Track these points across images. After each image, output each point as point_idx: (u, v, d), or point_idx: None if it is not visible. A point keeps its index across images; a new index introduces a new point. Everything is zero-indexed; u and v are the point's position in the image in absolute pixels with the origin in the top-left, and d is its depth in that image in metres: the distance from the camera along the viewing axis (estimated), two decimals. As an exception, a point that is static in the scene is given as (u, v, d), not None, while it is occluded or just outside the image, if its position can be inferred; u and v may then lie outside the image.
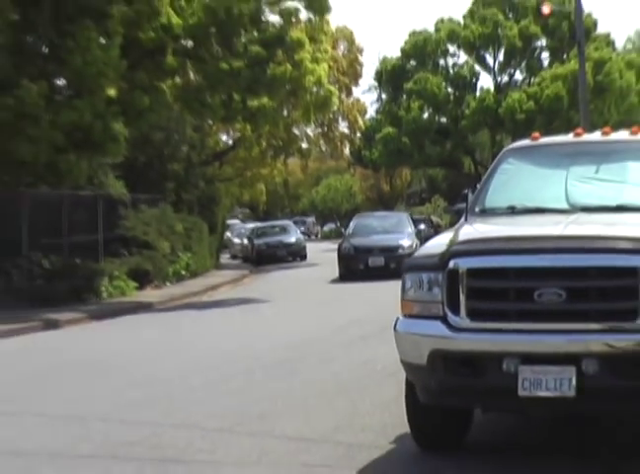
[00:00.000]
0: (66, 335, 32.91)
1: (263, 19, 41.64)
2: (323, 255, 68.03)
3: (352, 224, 65.56)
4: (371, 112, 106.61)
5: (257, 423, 16.93)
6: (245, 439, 15.54)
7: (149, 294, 44.53)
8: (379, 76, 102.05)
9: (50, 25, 36.30)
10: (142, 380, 24.27)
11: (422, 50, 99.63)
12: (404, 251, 48.10)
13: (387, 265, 48.88)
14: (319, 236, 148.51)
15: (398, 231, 56.87)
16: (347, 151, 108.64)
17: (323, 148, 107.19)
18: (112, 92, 37.43)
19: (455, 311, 11.98)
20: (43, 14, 35.77)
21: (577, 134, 16.17)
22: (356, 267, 48.13)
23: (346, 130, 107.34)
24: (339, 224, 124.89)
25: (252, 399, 19.60)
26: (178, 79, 42.21)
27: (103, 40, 36.46)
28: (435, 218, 76.10)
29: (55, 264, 38.78)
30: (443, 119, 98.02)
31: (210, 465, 13.97)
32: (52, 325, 33.12)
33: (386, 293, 24.79)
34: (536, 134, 16.83)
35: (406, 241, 53.40)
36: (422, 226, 62.89)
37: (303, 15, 44.01)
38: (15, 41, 35.53)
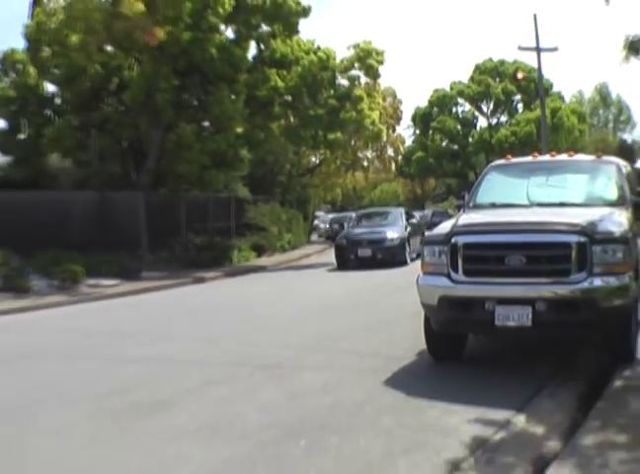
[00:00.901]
0: (209, 286, 33.68)
1: (336, 82, 41.96)
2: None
3: (353, 219, 51.41)
4: (409, 142, 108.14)
5: (330, 342, 17.42)
6: (321, 353, 16.12)
7: (264, 260, 44.62)
8: (414, 118, 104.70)
9: (199, 87, 36.65)
10: (258, 314, 24.58)
11: (442, 102, 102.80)
12: (391, 242, 39.03)
13: (374, 255, 38.90)
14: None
15: (390, 225, 43.44)
16: (393, 167, 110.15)
17: (377, 165, 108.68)
18: (239, 130, 37.76)
19: (455, 270, 13.01)
20: (194, 80, 36.15)
21: (534, 156, 17.55)
22: (347, 257, 38.80)
23: (392, 154, 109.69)
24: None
25: (327, 327, 20.01)
26: (282, 121, 42.28)
27: (232, 97, 36.77)
28: (450, 211, 73.32)
29: (202, 241, 39.22)
30: (455, 147, 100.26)
31: (298, 369, 14.56)
32: (200, 280, 33.79)
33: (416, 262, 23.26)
34: (509, 156, 18.11)
35: (393, 234, 40.92)
36: (414, 220, 48.72)
37: (363, 79, 44.38)
38: (176, 98, 35.90)
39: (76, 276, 29.81)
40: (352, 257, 37.70)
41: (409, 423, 10.51)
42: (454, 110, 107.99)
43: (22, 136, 39.22)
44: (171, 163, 37.42)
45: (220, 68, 36.57)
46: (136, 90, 35.72)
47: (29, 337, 21.69)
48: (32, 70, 38.24)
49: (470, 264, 13.03)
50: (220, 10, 35.83)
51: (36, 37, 37.22)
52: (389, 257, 35.75)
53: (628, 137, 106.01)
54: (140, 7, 33.62)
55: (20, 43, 38.91)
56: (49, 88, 39.20)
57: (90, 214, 36.35)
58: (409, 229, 39.82)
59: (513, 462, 8.70)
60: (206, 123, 38.30)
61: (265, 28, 40.41)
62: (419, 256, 26.10)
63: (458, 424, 10.25)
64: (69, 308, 27.48)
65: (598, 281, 12.05)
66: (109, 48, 37.00)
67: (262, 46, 41.17)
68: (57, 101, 38.98)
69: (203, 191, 41.22)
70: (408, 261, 37.56)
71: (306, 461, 9.26)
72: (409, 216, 43.36)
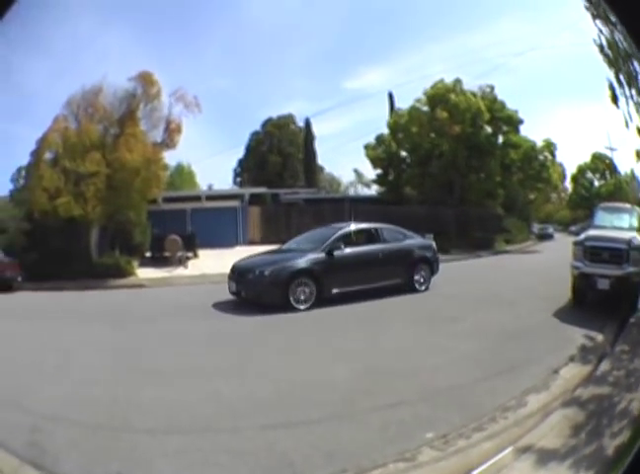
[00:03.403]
0: (481, 259, 31.54)
1: (539, 157, 41.63)
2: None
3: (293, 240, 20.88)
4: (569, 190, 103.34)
5: (526, 291, 17.09)
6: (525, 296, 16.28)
7: (510, 247, 39.42)
8: (571, 178, 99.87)
9: (477, 156, 37.32)
10: (504, 268, 25.25)
11: (580, 172, 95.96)
12: (258, 278, 16.28)
13: (239, 292, 16.71)
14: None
15: (303, 251, 17.36)
16: (564, 203, 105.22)
17: (557, 201, 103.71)
18: (497, 179, 38.59)
19: (586, 259, 14.35)
20: (475, 152, 36.71)
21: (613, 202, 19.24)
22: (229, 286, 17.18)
23: (563, 195, 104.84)
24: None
25: (528, 279, 19.71)
26: (517, 176, 41.78)
27: (493, 162, 37.28)
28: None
29: (479, 235, 37.91)
30: (587, 195, 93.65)
31: (513, 303, 15.18)
32: (479, 256, 32.92)
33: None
34: (605, 203, 19.95)
35: (270, 265, 16.54)
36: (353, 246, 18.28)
37: (549, 157, 43.13)
38: (466, 161, 37.46)
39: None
40: (229, 288, 17.24)
41: (558, 335, 11.52)
42: (586, 176, 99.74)
43: (390, 178, 41.07)
44: (466, 194, 39.05)
45: (487, 147, 38.22)
46: (447, 156, 37.46)
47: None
48: (393, 144, 39.90)
49: (591, 256, 14.31)
50: (484, 118, 37.48)
51: (394, 128, 39.44)
52: (253, 295, 16.51)
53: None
54: (445, 115, 35.87)
55: (385, 131, 40.23)
56: (403, 154, 40.68)
57: (423, 218, 35.92)
58: (323, 258, 16.83)
59: (593, 357, 9.90)
60: (482, 175, 39.10)
61: (504, 128, 41.17)
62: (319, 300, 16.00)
63: (577, 337, 11.25)
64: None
65: (631, 268, 13.91)
66: (432, 135, 38.49)
67: (504, 137, 41.73)
68: (407, 160, 40.60)
69: (481, 208, 40.83)
70: (297, 306, 15.82)
71: (511, 350, 10.46)
72: (344, 239, 17.71)
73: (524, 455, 5.93)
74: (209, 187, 40.75)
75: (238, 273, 16.99)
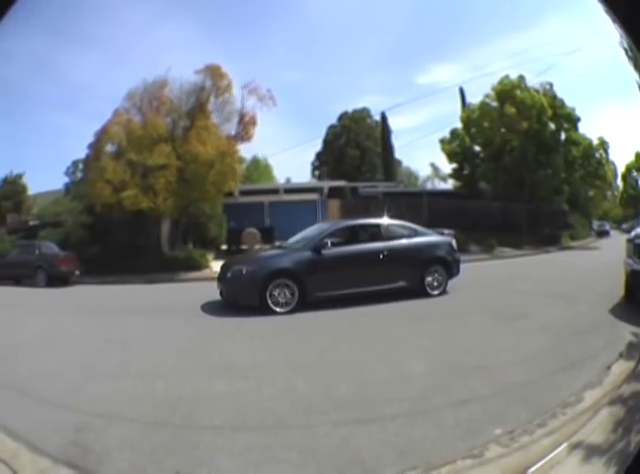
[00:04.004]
0: (549, 255, 31.42)
1: (596, 156, 41.41)
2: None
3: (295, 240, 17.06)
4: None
5: (591, 290, 16.65)
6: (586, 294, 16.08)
7: (574, 243, 39.87)
8: (621, 177, 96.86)
9: (544, 151, 38.83)
10: (559, 265, 24.86)
11: (627, 172, 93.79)
12: (235, 279, 14.86)
13: (221, 293, 15.54)
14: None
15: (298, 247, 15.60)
16: (617, 201, 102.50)
17: (611, 198, 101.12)
18: (562, 175, 39.56)
19: (636, 256, 13.90)
20: (542, 148, 38.84)
21: None
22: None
23: (616, 193, 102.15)
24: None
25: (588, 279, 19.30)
26: (578, 173, 42.37)
27: (557, 158, 38.84)
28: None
29: (549, 231, 38.21)
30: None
31: (574, 300, 15.24)
32: (547, 251, 33.14)
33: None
34: None
35: (245, 268, 14.77)
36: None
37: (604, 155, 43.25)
38: (534, 157, 38.88)
39: (492, 246, 30.40)
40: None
41: (613, 333, 11.23)
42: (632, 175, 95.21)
43: (465, 172, 41.07)
44: (535, 189, 38.95)
45: (552, 143, 38.75)
46: (518, 152, 37.68)
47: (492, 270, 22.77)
48: (466, 139, 40.27)
49: (639, 254, 13.85)
50: (547, 115, 38.53)
51: (465, 122, 40.35)
52: (231, 296, 14.85)
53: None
54: (514, 110, 36.63)
55: (458, 125, 41.04)
56: (476, 148, 40.73)
57: (497, 213, 37.28)
58: (308, 257, 14.94)
59: (637, 354, 9.63)
60: (549, 171, 38.97)
61: (565, 125, 40.97)
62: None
63: (625, 334, 10.97)
64: (488, 262, 26.62)
65: None
66: (502, 130, 38.56)
67: (566, 134, 41.20)
68: (481, 155, 40.60)
69: (549, 204, 41.67)
70: (276, 308, 14.23)
71: (573, 346, 10.41)
72: (335, 235, 15.93)
73: (575, 451, 5.96)
74: (287, 180, 42.10)
75: (222, 271, 15.40)
